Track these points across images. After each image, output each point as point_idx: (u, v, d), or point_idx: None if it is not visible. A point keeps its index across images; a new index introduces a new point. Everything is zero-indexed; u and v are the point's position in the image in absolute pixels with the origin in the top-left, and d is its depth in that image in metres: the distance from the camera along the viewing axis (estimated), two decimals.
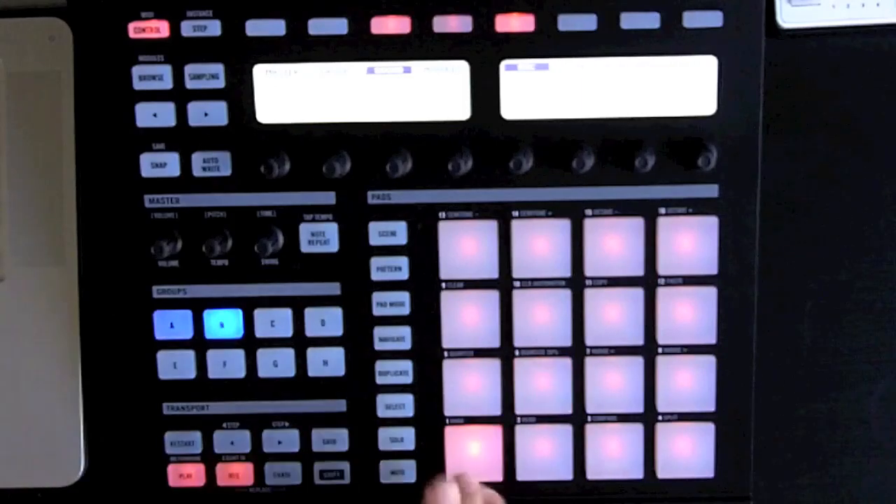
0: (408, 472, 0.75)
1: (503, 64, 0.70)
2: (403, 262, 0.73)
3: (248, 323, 0.73)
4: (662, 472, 0.74)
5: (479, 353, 0.74)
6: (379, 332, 0.73)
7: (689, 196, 0.72)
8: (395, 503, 0.75)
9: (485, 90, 0.70)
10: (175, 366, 0.74)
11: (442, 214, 0.72)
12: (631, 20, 0.69)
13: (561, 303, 0.73)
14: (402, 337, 0.73)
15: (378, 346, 0.74)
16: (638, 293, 0.73)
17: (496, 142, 0.71)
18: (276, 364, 0.74)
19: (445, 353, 0.74)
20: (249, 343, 0.74)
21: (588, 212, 0.72)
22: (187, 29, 0.70)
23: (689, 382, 0.73)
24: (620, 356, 0.73)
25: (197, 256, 0.72)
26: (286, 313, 0.73)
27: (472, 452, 0.75)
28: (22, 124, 0.73)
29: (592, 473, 0.75)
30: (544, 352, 0.73)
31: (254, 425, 0.74)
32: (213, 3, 0.70)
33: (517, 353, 0.73)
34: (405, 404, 0.74)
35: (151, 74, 0.71)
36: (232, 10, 0.70)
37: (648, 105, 0.70)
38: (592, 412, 0.74)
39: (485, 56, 0.70)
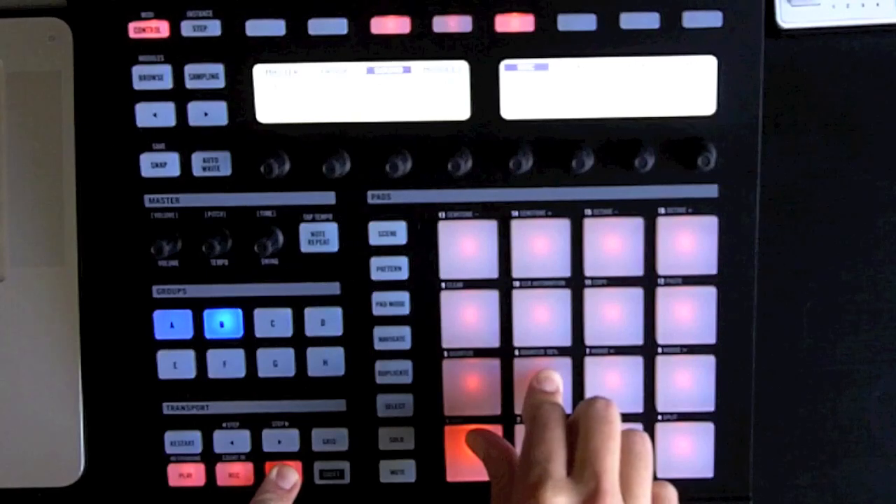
0: (408, 471, 0.75)
1: (503, 64, 0.70)
2: (403, 262, 0.73)
3: (248, 323, 0.73)
4: (662, 472, 0.74)
5: (479, 352, 0.74)
6: (379, 331, 0.73)
7: (688, 196, 0.72)
8: (395, 503, 0.75)
9: (485, 90, 0.70)
10: (175, 365, 0.74)
11: (442, 214, 0.72)
12: (630, 20, 0.69)
13: (560, 303, 0.73)
14: (401, 337, 0.73)
15: (378, 345, 0.74)
16: (637, 293, 0.73)
17: (496, 142, 0.71)
18: (276, 364, 0.74)
19: (445, 353, 0.74)
20: (249, 343, 0.74)
21: (588, 212, 0.72)
22: (187, 29, 0.70)
23: (689, 382, 0.73)
24: (620, 356, 0.73)
25: (197, 256, 0.72)
26: (286, 313, 0.73)
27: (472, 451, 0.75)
28: (22, 124, 0.73)
29: None
30: (544, 352, 0.73)
31: (254, 425, 0.74)
32: (213, 3, 0.70)
33: (517, 352, 0.74)
34: (405, 404, 0.74)
35: (151, 74, 0.71)
36: (232, 10, 0.70)
37: (648, 105, 0.70)
38: None
39: (485, 56, 0.70)
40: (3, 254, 0.74)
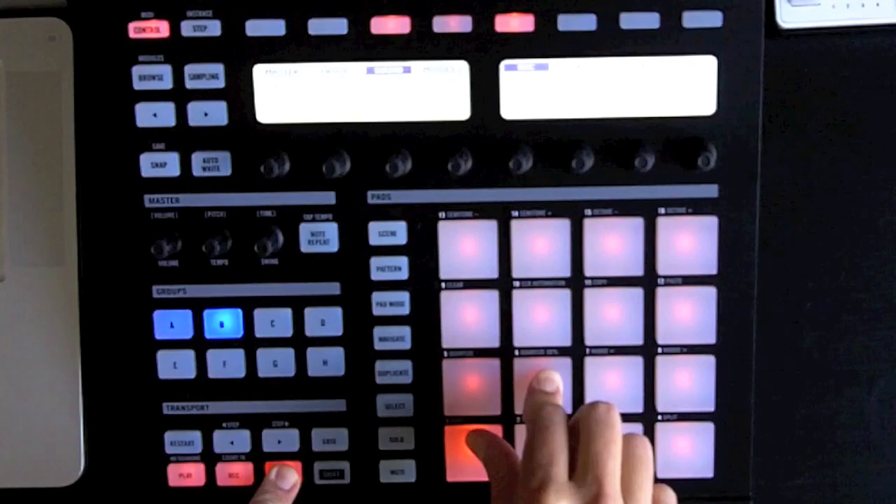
0: (408, 471, 0.75)
1: (503, 64, 0.70)
2: (403, 262, 0.73)
3: (248, 323, 0.73)
4: (662, 472, 0.74)
5: (479, 352, 0.74)
6: (379, 332, 0.73)
7: (688, 196, 0.72)
8: (395, 503, 0.75)
9: (484, 90, 0.70)
10: (175, 366, 0.74)
11: (442, 214, 0.72)
12: (630, 20, 0.69)
13: (560, 303, 0.73)
14: (401, 337, 0.73)
15: (378, 346, 0.74)
16: (637, 293, 0.73)
17: (496, 142, 0.71)
18: (276, 364, 0.74)
19: (445, 353, 0.74)
20: (249, 343, 0.74)
21: (588, 212, 0.72)
22: (187, 29, 0.70)
23: (689, 382, 0.73)
24: (620, 356, 0.73)
25: (197, 256, 0.72)
26: (286, 313, 0.73)
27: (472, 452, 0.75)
28: (22, 124, 0.73)
29: None
30: (544, 352, 0.73)
31: (254, 425, 0.74)
32: (213, 3, 0.70)
33: (517, 352, 0.74)
34: (405, 404, 0.74)
35: (151, 74, 0.71)
36: (232, 10, 0.70)
37: (648, 105, 0.70)
38: None
39: (485, 56, 0.70)
40: (3, 254, 0.74)
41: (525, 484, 0.64)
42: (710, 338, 0.73)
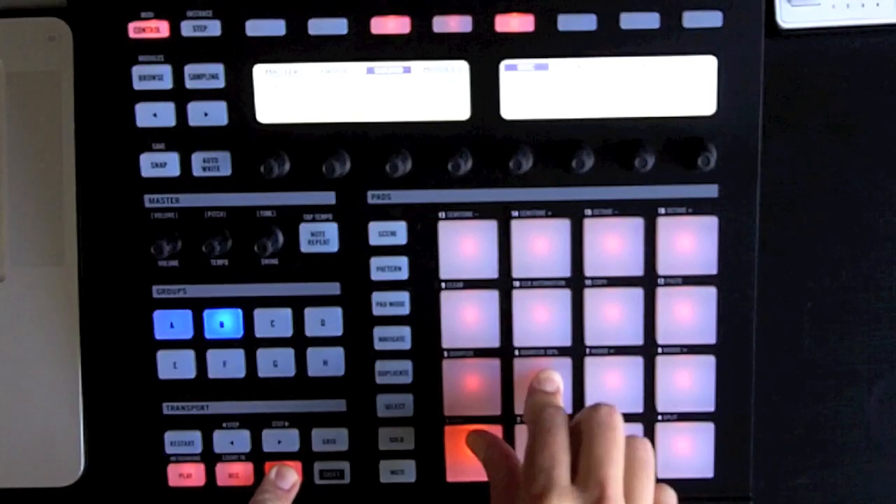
0: (408, 471, 0.75)
1: (503, 64, 0.70)
2: (403, 262, 0.73)
3: (248, 323, 0.73)
4: (662, 472, 0.74)
5: (479, 352, 0.74)
6: (379, 332, 0.73)
7: (688, 196, 0.72)
8: (395, 503, 0.75)
9: (484, 90, 0.70)
10: (175, 365, 0.74)
11: (442, 214, 0.72)
12: (630, 20, 0.69)
13: (560, 303, 0.73)
14: (401, 337, 0.73)
15: (378, 346, 0.74)
16: (637, 293, 0.73)
17: (496, 142, 0.71)
18: (276, 364, 0.74)
19: (445, 353, 0.74)
20: (249, 343, 0.74)
21: (588, 212, 0.72)
22: (187, 29, 0.70)
23: (689, 382, 0.73)
24: (620, 356, 0.73)
25: (197, 256, 0.73)
26: (286, 313, 0.73)
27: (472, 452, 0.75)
28: (22, 124, 0.73)
29: None
30: (544, 352, 0.73)
31: (254, 425, 0.74)
32: (213, 3, 0.70)
33: (517, 352, 0.74)
34: (405, 404, 0.74)
35: (151, 74, 0.71)
36: (232, 10, 0.70)
37: (648, 105, 0.70)
38: None
39: (485, 56, 0.70)
40: (3, 254, 0.74)
41: (527, 488, 0.64)
42: (710, 338, 0.73)
